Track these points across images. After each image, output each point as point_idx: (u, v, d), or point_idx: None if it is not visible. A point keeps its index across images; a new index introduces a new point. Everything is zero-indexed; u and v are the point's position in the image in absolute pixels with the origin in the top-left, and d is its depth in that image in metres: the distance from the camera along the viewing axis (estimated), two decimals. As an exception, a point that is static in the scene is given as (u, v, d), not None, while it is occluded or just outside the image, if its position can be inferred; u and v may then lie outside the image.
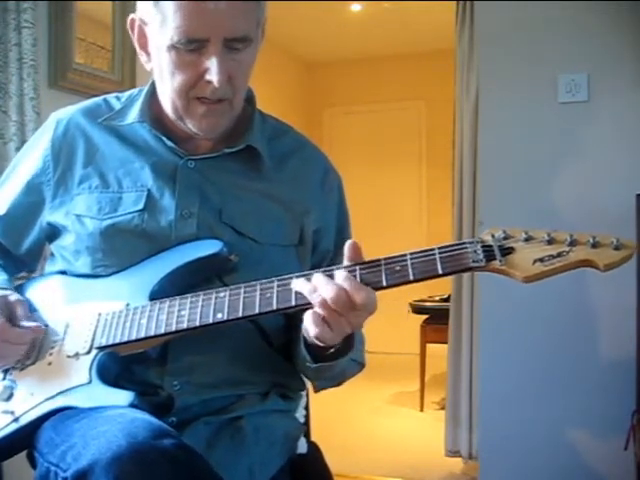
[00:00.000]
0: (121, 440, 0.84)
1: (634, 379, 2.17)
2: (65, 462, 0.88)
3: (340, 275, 0.94)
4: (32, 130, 2.12)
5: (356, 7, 4.80)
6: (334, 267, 0.97)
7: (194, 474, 0.87)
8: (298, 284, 0.96)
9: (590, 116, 2.40)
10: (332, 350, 1.03)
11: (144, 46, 1.12)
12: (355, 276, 0.95)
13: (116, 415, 0.92)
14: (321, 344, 0.99)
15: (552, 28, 2.45)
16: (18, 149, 2.10)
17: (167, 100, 1.11)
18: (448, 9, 3.21)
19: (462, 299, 3.01)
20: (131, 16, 1.11)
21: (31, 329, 1.07)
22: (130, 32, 1.13)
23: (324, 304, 0.92)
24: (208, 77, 1.04)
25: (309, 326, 0.95)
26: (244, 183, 1.15)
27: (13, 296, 1.10)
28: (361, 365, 1.18)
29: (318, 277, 0.95)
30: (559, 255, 0.90)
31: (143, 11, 1.08)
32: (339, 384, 1.17)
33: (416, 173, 5.86)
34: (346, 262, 0.97)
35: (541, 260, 0.91)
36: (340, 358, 1.04)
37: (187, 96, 1.08)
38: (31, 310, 1.13)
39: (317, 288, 0.93)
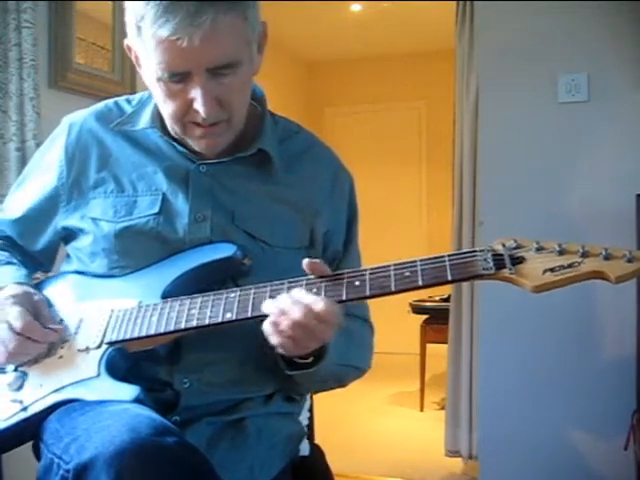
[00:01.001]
0: (124, 435, 0.84)
1: (634, 379, 2.17)
2: (68, 454, 0.89)
3: (301, 293, 0.97)
4: (32, 130, 2.12)
5: (356, 7, 4.80)
6: (346, 272, 0.99)
7: (195, 472, 0.87)
8: (266, 306, 0.98)
9: (590, 116, 2.40)
10: (305, 360, 1.04)
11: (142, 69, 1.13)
12: (365, 281, 0.97)
13: (120, 410, 0.93)
14: (284, 354, 1.01)
15: (552, 28, 2.45)
16: (18, 149, 2.11)
17: (167, 122, 1.12)
18: (448, 9, 3.21)
19: (462, 299, 3.01)
20: (125, 42, 1.11)
21: (55, 331, 1.09)
22: (129, 54, 1.13)
23: (294, 325, 0.95)
24: (195, 106, 1.05)
25: (270, 337, 0.97)
26: (255, 186, 1.16)
27: (37, 295, 1.12)
28: (360, 369, 1.19)
29: (283, 299, 0.97)
30: (570, 266, 0.91)
31: (131, 40, 1.08)
32: (334, 388, 1.19)
33: (416, 173, 5.86)
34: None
35: (552, 270, 0.91)
36: (314, 367, 1.05)
37: (182, 121, 1.09)
38: (48, 306, 1.15)
39: (285, 311, 0.95)
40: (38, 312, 1.09)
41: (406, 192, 5.85)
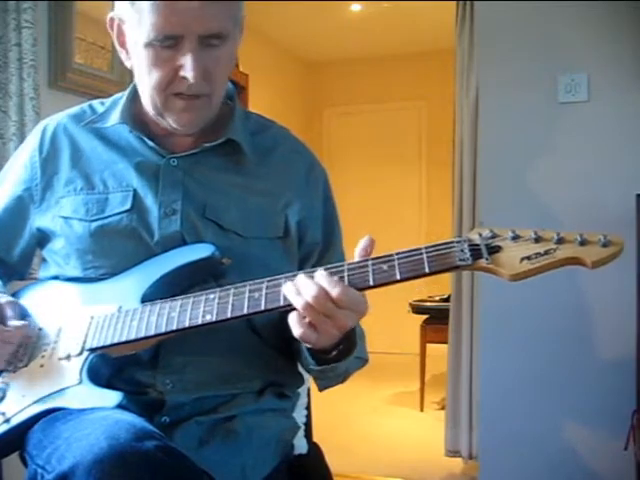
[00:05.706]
0: (102, 442, 0.84)
1: (634, 379, 2.17)
2: (50, 464, 0.89)
3: (318, 274, 0.94)
4: (32, 130, 2.12)
5: (356, 7, 4.80)
6: (324, 267, 0.97)
7: (176, 477, 0.86)
8: (286, 288, 0.96)
9: (590, 116, 2.40)
10: (335, 353, 1.02)
11: (123, 44, 1.14)
12: (343, 277, 0.95)
13: (100, 417, 0.92)
14: (309, 346, 0.99)
15: (552, 28, 2.45)
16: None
17: (147, 97, 1.12)
18: (448, 9, 3.22)
19: (462, 299, 3.01)
20: (110, 15, 1.13)
21: (18, 328, 1.07)
22: (109, 30, 1.15)
23: (307, 306, 0.93)
24: (183, 73, 1.06)
25: (293, 327, 0.95)
26: (227, 177, 1.16)
27: (4, 298, 1.11)
28: (364, 360, 1.18)
29: (300, 277, 0.95)
30: (546, 253, 0.90)
31: (121, 10, 1.10)
32: (343, 381, 1.17)
33: (416, 173, 5.86)
34: (356, 257, 0.97)
35: (528, 258, 0.90)
36: (343, 359, 1.03)
37: (165, 92, 1.09)
38: (26, 315, 1.14)
39: (300, 289, 0.94)
40: (2, 314, 1.08)
41: (406, 192, 5.85)
